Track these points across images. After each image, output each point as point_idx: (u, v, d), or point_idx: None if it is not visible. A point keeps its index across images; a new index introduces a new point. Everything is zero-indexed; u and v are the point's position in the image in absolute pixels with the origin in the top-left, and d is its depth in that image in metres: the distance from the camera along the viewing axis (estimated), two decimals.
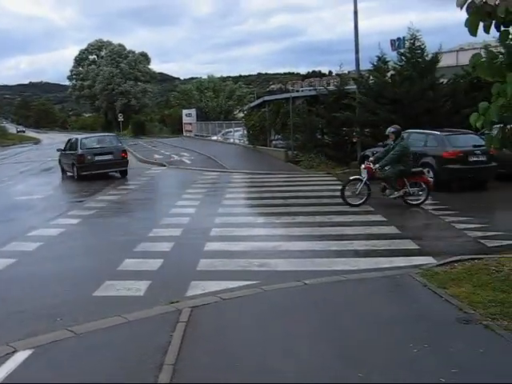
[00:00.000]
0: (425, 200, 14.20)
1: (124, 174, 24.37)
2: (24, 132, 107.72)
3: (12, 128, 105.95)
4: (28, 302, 7.79)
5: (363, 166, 14.59)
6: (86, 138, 26.03)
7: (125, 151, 24.80)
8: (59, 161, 26.56)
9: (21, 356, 5.67)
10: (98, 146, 24.21)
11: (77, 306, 7.53)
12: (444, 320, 6.24)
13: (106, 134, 31.82)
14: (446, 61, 25.07)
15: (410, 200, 14.25)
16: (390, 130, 14.66)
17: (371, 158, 14.83)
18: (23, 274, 9.28)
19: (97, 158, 23.38)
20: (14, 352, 5.77)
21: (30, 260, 10.19)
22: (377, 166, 14.11)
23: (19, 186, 22.63)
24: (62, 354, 5.80)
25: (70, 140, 25.79)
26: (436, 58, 22.21)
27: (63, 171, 25.78)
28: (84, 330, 6.36)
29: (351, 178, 14.89)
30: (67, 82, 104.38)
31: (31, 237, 11.94)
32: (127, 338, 6.20)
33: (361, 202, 14.25)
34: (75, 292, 8.16)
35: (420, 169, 14.90)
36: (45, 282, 8.90)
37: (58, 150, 27.13)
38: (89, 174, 23.06)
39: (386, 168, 14.11)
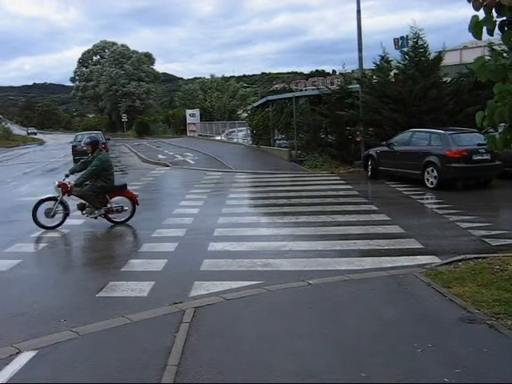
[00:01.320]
0: (131, 217, 13.29)
1: None
2: (35, 134, 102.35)
3: (16, 129, 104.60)
4: (32, 303, 7.80)
5: (56, 182, 13.25)
6: (79, 134, 39.86)
7: (105, 143, 31.94)
8: None
9: (25, 357, 5.68)
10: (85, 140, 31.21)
11: (80, 307, 7.54)
12: (448, 319, 6.22)
13: (94, 132, 40.74)
14: (449, 59, 25.05)
15: (114, 218, 13.25)
16: (86, 141, 13.75)
17: (66, 172, 13.58)
18: (27, 276, 9.29)
19: (85, 148, 28.02)
20: (17, 353, 5.78)
21: (33, 261, 10.22)
22: (72, 182, 12.94)
23: (23, 187, 22.69)
24: (66, 355, 5.80)
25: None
26: (439, 57, 22.17)
27: None
28: (88, 331, 6.37)
29: (44, 197, 13.34)
30: (71, 83, 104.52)
31: (35, 238, 11.97)
32: (131, 338, 6.19)
33: (57, 223, 12.86)
34: (79, 293, 8.17)
35: (124, 183, 13.85)
36: (49, 283, 8.93)
37: (70, 143, 39.93)
38: (82, 158, 28.39)
39: (86, 184, 12.93)
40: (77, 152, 33.44)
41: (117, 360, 5.59)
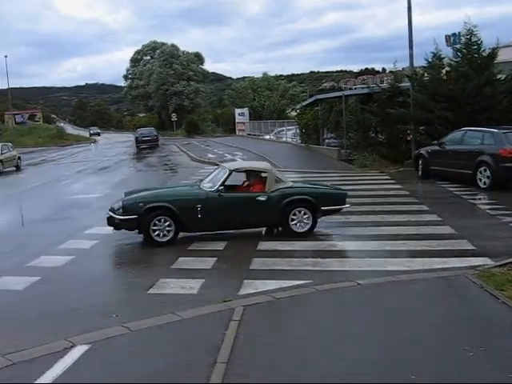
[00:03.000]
0: None
1: (156, 146, 49.63)
2: (99, 135, 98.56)
3: (69, 128, 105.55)
4: (84, 299, 7.98)
5: None
6: (139, 129, 56.49)
7: (156, 136, 52.37)
8: None
9: (78, 351, 5.82)
10: (143, 133, 52.16)
11: (131, 304, 7.70)
12: (501, 323, 6.11)
13: (149, 127, 60.27)
14: (503, 56, 24.30)
15: None
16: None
17: None
18: (80, 272, 9.50)
19: (143, 138, 50.41)
20: (71, 347, 5.92)
21: (86, 258, 10.42)
22: None
23: (76, 184, 23.17)
24: (118, 350, 5.93)
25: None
26: (493, 54, 21.65)
27: None
28: (138, 327, 6.48)
29: None
30: (122, 83, 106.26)
31: (88, 235, 12.20)
32: (181, 335, 6.28)
33: None
34: (130, 289, 8.33)
35: None
36: (100, 279, 9.11)
37: (134, 135, 58.22)
38: (141, 146, 48.92)
39: None
40: (138, 141, 50.21)
41: (167, 356, 5.67)
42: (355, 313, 6.75)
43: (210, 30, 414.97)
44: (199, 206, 10.80)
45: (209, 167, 27.58)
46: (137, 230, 11.12)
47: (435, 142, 18.94)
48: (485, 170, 16.09)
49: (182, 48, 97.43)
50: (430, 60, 22.70)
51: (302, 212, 11.15)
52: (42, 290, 8.56)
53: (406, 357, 5.37)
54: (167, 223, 10.77)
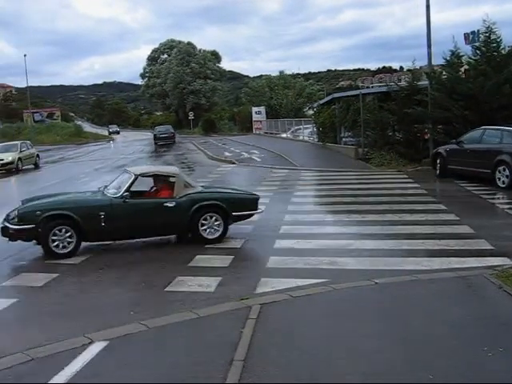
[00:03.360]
0: None
1: (173, 143, 52.93)
2: (118, 133, 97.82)
3: (87, 126, 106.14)
4: (103, 296, 8.05)
5: None
6: (157, 127, 61.11)
7: (173, 133, 55.98)
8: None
9: (96, 347, 5.88)
10: (161, 130, 56.07)
11: (149, 301, 7.74)
12: None
13: (166, 125, 63.82)
14: None
15: None
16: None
17: None
18: (98, 269, 9.54)
19: (160, 135, 54.11)
20: (90, 343, 5.98)
21: (103, 256, 10.46)
22: None
23: (94, 182, 23.22)
24: (135, 346, 5.97)
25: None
26: None
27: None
28: (156, 324, 6.52)
29: None
30: (139, 82, 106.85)
31: None
32: (198, 332, 6.31)
33: None
34: (147, 287, 8.37)
35: None
36: (118, 276, 9.13)
37: (152, 132, 60.71)
38: (159, 142, 52.36)
39: None
40: (156, 138, 53.64)
41: (184, 353, 5.71)
42: (372, 312, 6.72)
43: (226, 29, 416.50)
44: (102, 213, 10.23)
45: (225, 165, 27.67)
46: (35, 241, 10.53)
47: (453, 140, 18.80)
48: (504, 169, 15.94)
49: (198, 46, 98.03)
50: (449, 58, 22.53)
51: (213, 218, 10.77)
52: (61, 286, 8.64)
53: (424, 357, 5.35)
54: (68, 233, 10.12)
